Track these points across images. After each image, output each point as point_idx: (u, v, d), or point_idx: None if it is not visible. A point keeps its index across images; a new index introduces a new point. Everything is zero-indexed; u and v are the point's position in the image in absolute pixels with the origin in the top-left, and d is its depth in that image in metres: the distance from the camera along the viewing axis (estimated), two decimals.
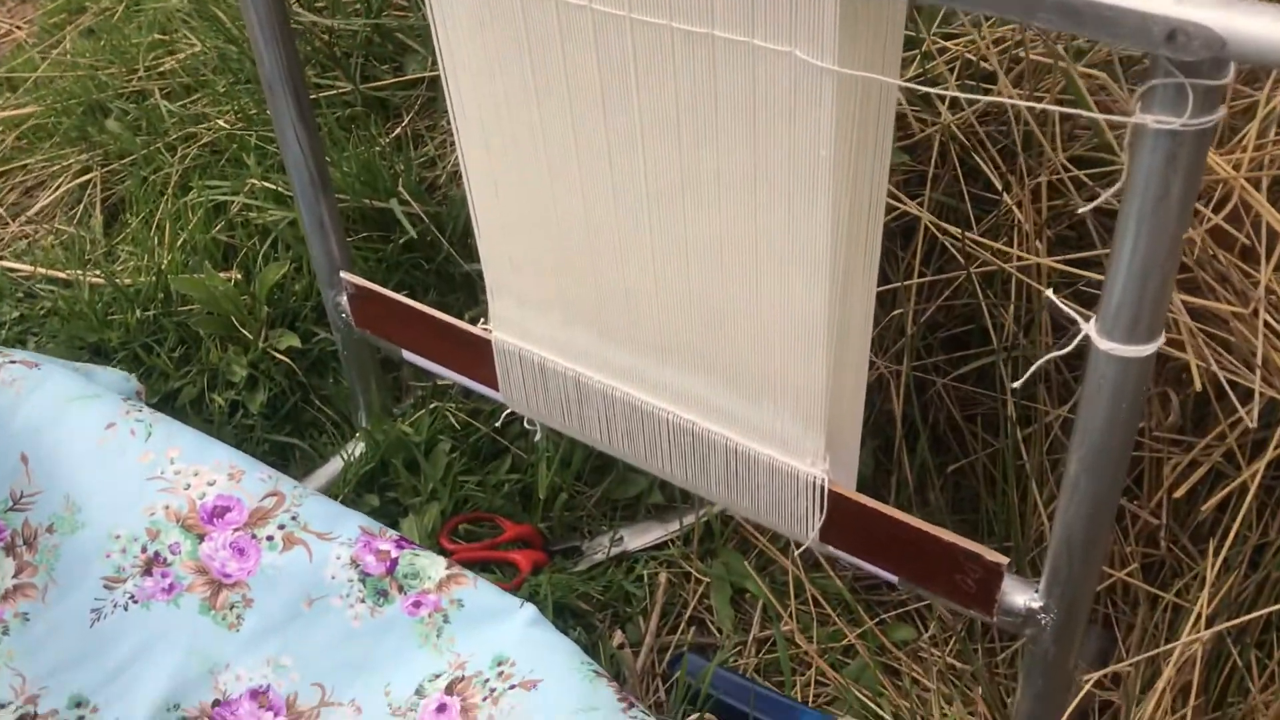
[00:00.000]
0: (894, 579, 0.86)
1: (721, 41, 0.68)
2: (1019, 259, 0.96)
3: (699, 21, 0.68)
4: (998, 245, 0.98)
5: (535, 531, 1.14)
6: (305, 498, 0.95)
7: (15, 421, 0.98)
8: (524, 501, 1.18)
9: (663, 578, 1.10)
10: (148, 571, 0.94)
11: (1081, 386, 0.70)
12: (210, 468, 0.96)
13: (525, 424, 1.02)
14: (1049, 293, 0.69)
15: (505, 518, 1.15)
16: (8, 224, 1.58)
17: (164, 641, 0.93)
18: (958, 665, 1.01)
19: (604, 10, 0.72)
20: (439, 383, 1.25)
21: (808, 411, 0.81)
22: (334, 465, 1.19)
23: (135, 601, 0.94)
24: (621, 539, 1.14)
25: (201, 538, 0.94)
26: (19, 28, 2.01)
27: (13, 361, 1.01)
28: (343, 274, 1.10)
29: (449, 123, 1.51)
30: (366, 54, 1.50)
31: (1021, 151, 0.96)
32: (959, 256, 1.06)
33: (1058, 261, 0.93)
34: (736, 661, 1.05)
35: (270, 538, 0.93)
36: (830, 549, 0.88)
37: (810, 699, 1.01)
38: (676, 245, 0.79)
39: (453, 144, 1.46)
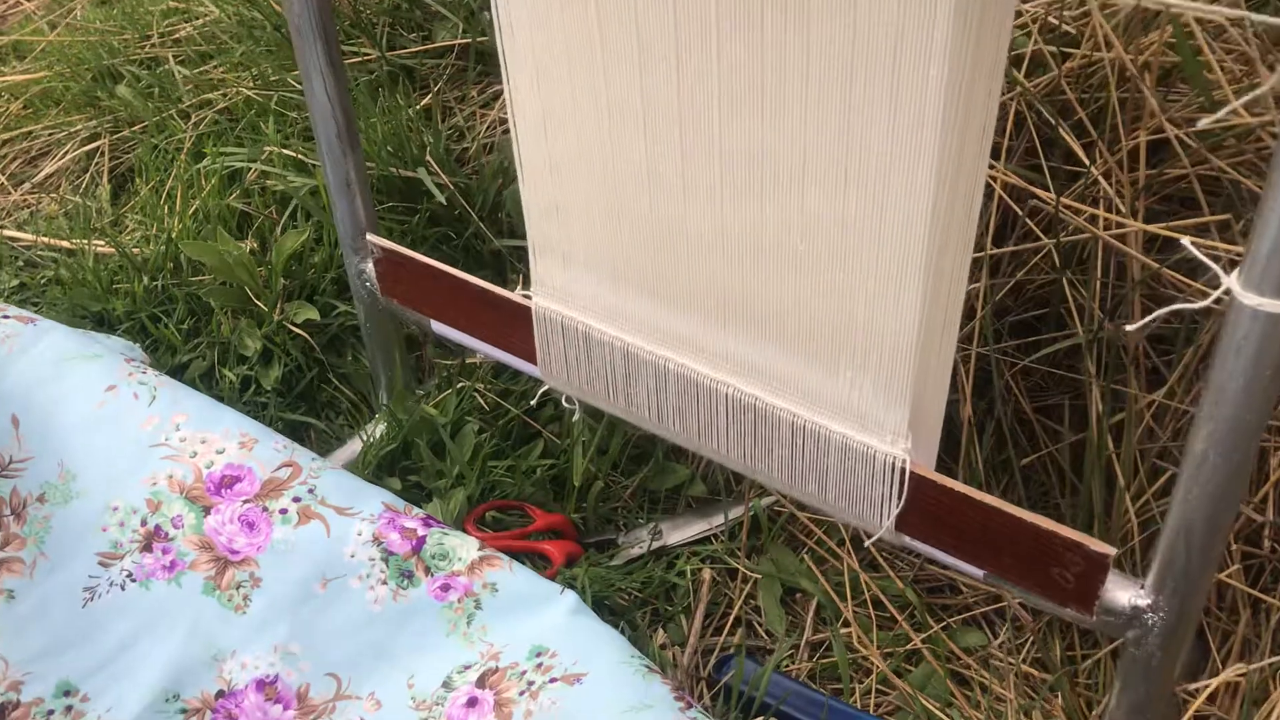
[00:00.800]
0: (979, 573, 0.77)
1: None
2: (1116, 225, 0.87)
3: None
4: (1089, 210, 0.89)
5: (568, 522, 1.05)
6: (324, 470, 0.86)
7: (6, 381, 0.89)
8: (556, 490, 1.09)
9: (706, 574, 1.01)
10: (147, 547, 0.85)
11: (1216, 351, 0.62)
12: (220, 435, 0.87)
13: (564, 402, 0.93)
14: (1185, 240, 0.61)
15: (536, 506, 1.06)
16: (10, 193, 1.50)
17: (163, 624, 0.83)
18: (1034, 674, 0.92)
19: None
20: (467, 361, 1.17)
21: (891, 378, 0.72)
22: (352, 446, 1.11)
23: (133, 580, 0.85)
24: (661, 532, 1.05)
25: (207, 510, 0.85)
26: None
27: (6, 317, 0.93)
28: (369, 236, 1.02)
29: (479, 94, 1.44)
30: (394, 20, 1.42)
31: (1119, 111, 0.88)
32: (1037, 230, 0.98)
33: (1161, 228, 0.84)
34: (788, 666, 0.96)
35: (284, 511, 0.84)
36: (906, 540, 0.79)
37: (872, 708, 0.92)
38: (751, 171, 0.69)
39: (483, 116, 1.39)
